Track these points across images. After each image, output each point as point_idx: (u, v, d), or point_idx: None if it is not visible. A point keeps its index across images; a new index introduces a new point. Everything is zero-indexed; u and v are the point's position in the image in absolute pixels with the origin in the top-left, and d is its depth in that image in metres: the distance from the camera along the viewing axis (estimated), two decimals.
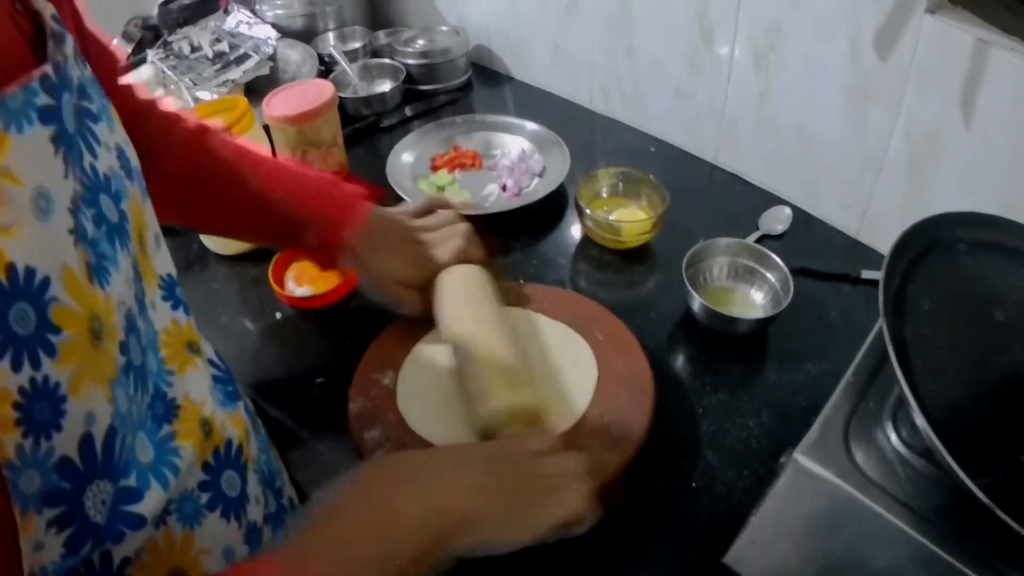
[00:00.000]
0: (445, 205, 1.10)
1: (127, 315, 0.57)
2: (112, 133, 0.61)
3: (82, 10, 0.74)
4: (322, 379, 1.09)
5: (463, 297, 0.99)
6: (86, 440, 0.49)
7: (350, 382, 1.00)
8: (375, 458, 0.70)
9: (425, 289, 1.01)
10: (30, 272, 0.45)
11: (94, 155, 0.56)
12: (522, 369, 0.91)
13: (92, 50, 0.78)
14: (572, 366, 0.99)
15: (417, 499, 0.65)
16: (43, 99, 0.49)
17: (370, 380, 1.00)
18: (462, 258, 1.02)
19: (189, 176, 0.95)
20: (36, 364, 0.45)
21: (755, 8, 1.25)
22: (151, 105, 0.96)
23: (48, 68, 0.50)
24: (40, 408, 0.45)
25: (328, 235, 0.97)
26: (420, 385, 0.98)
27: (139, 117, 0.87)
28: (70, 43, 0.55)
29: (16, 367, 0.44)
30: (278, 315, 1.20)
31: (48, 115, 0.49)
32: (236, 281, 1.27)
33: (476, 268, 1.03)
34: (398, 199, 1.37)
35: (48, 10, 0.55)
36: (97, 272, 0.53)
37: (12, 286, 0.44)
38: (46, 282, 0.46)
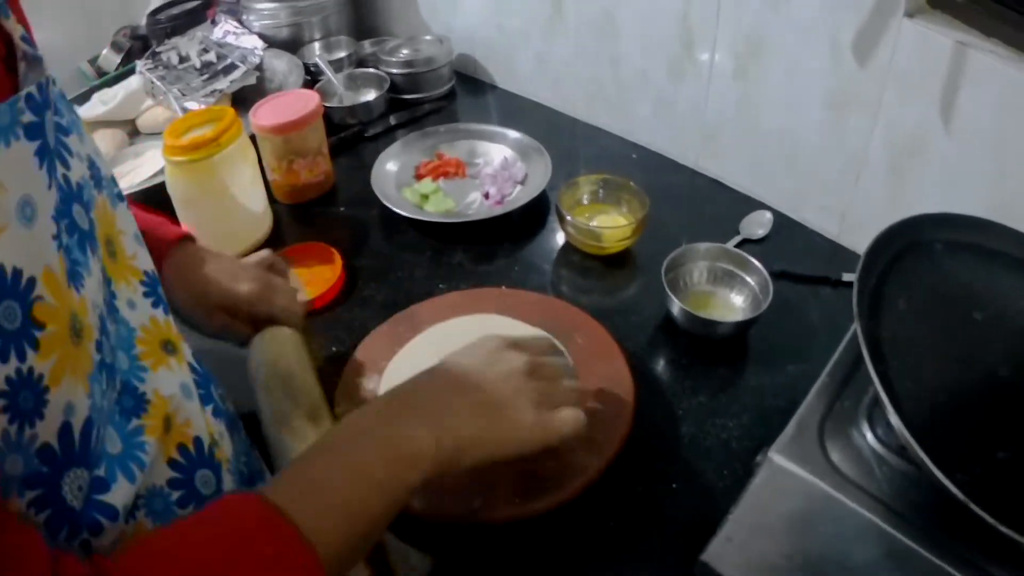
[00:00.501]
0: (283, 270, 1.12)
1: (100, 316, 0.59)
2: (83, 144, 0.63)
3: None
4: None
5: (296, 359, 0.97)
6: (65, 428, 0.52)
7: (335, 387, 1.01)
8: (384, 394, 0.77)
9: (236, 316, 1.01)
10: (17, 272, 0.48)
11: (67, 166, 0.59)
12: None
13: None
14: None
15: (428, 427, 0.71)
16: (28, 116, 0.52)
17: (355, 384, 1.01)
18: (295, 319, 1.04)
19: None
20: (21, 356, 0.48)
21: (735, 15, 1.26)
22: None
23: (33, 88, 0.53)
24: (24, 397, 0.48)
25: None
26: None
27: None
28: (45, 65, 0.58)
29: (3, 358, 0.47)
30: None
31: (32, 131, 0.52)
32: None
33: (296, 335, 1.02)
34: (383, 207, 1.38)
35: (18, 31, 0.57)
36: (72, 277, 0.55)
37: (0, 285, 0.47)
38: (31, 282, 0.49)
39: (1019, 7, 0.93)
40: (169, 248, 0.97)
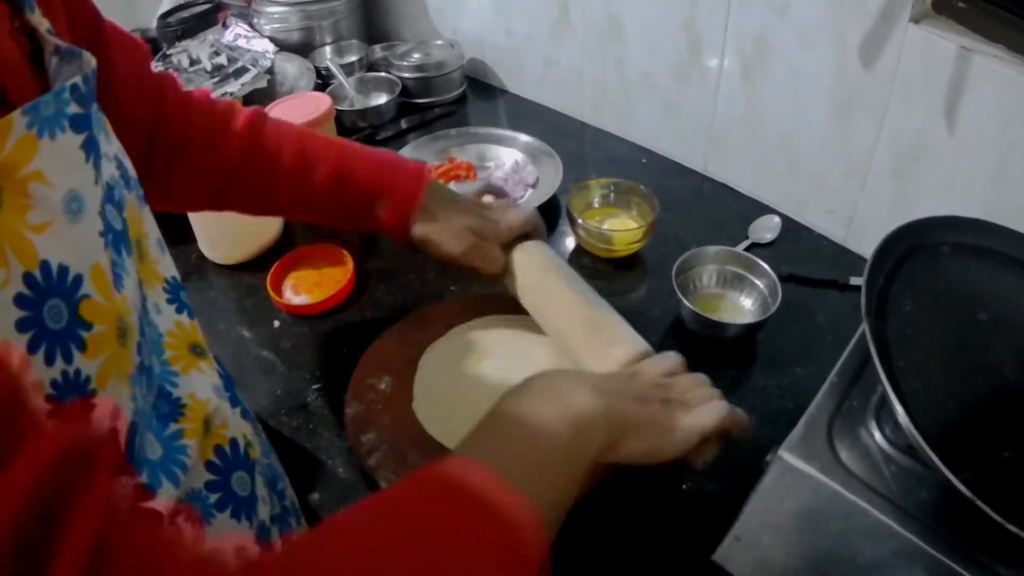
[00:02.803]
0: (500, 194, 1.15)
1: (138, 318, 0.58)
2: (110, 144, 0.62)
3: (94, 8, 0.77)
4: (319, 385, 1.10)
5: (551, 270, 1.01)
6: (111, 435, 0.51)
7: (346, 388, 1.02)
8: (547, 372, 0.75)
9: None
10: (63, 269, 0.47)
11: (100, 167, 0.58)
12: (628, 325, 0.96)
13: (117, 44, 0.80)
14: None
15: (598, 402, 0.70)
16: (74, 108, 0.51)
17: (366, 385, 1.02)
18: (532, 226, 1.06)
19: (253, 163, 0.97)
20: (68, 358, 0.47)
21: (742, 20, 1.27)
22: (203, 96, 0.97)
23: (79, 79, 0.52)
24: (71, 402, 0.47)
25: (404, 203, 0.99)
26: (436, 388, 1.01)
27: (189, 107, 0.92)
28: (87, 57, 0.57)
29: (49, 360, 0.45)
30: (276, 323, 1.21)
31: (79, 123, 0.51)
32: (234, 290, 1.28)
33: (546, 245, 1.06)
34: None
35: (43, 24, 0.57)
36: (115, 277, 0.54)
37: (46, 282, 0.46)
38: (78, 280, 0.48)
39: (1022, 12, 0.94)
40: (424, 188, 1.01)
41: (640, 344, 0.91)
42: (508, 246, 1.04)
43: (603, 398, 0.71)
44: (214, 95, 1.07)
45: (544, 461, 0.64)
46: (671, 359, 0.87)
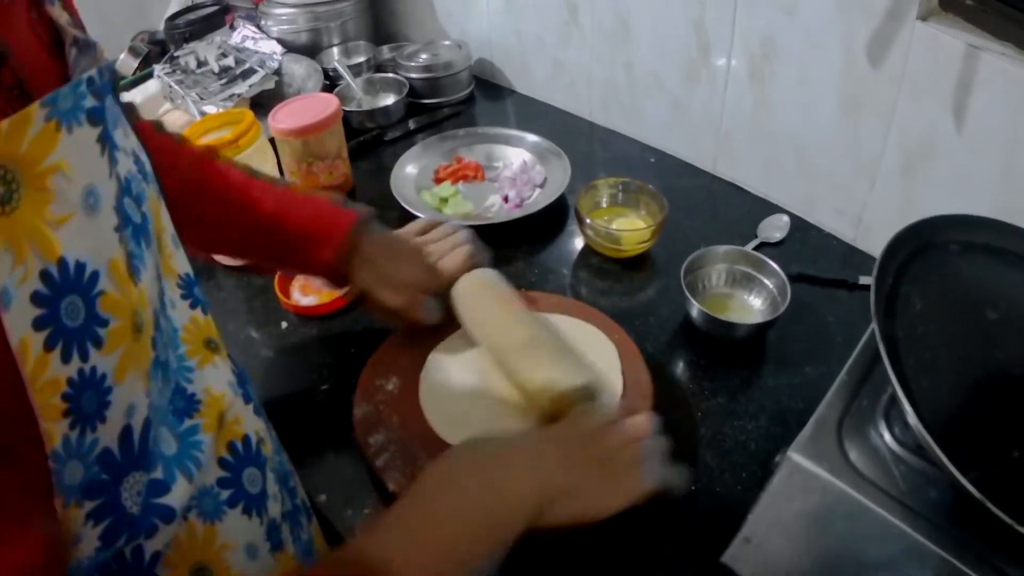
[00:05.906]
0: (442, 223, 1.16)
1: (154, 312, 0.58)
2: (128, 138, 0.62)
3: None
4: (327, 386, 1.10)
5: (493, 298, 1.03)
6: (126, 432, 0.51)
7: (354, 389, 1.02)
8: (464, 443, 0.77)
9: (437, 296, 1.05)
10: (80, 266, 0.47)
11: (115, 160, 0.58)
12: (572, 352, 0.96)
13: None
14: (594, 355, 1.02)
15: (519, 474, 0.74)
16: (90, 101, 0.50)
17: (374, 386, 1.01)
18: (472, 263, 1.07)
19: (198, 196, 0.98)
20: (84, 355, 0.46)
21: (750, 19, 1.27)
22: (152, 126, 0.99)
23: (94, 72, 0.52)
24: (88, 399, 0.47)
25: (341, 252, 1.01)
26: (442, 388, 1.01)
27: (140, 136, 0.90)
28: (101, 49, 0.57)
29: (66, 358, 0.45)
30: (284, 325, 1.21)
31: (95, 116, 0.51)
32: (242, 291, 1.28)
33: (491, 271, 1.07)
34: (402, 210, 1.39)
35: (63, 17, 0.57)
36: (131, 270, 0.54)
37: (63, 279, 0.45)
38: (95, 276, 0.48)
39: None
40: (362, 239, 1.03)
41: (571, 378, 0.91)
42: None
43: (534, 474, 0.74)
44: (168, 127, 1.08)
45: (464, 549, 0.68)
46: (600, 417, 0.85)
